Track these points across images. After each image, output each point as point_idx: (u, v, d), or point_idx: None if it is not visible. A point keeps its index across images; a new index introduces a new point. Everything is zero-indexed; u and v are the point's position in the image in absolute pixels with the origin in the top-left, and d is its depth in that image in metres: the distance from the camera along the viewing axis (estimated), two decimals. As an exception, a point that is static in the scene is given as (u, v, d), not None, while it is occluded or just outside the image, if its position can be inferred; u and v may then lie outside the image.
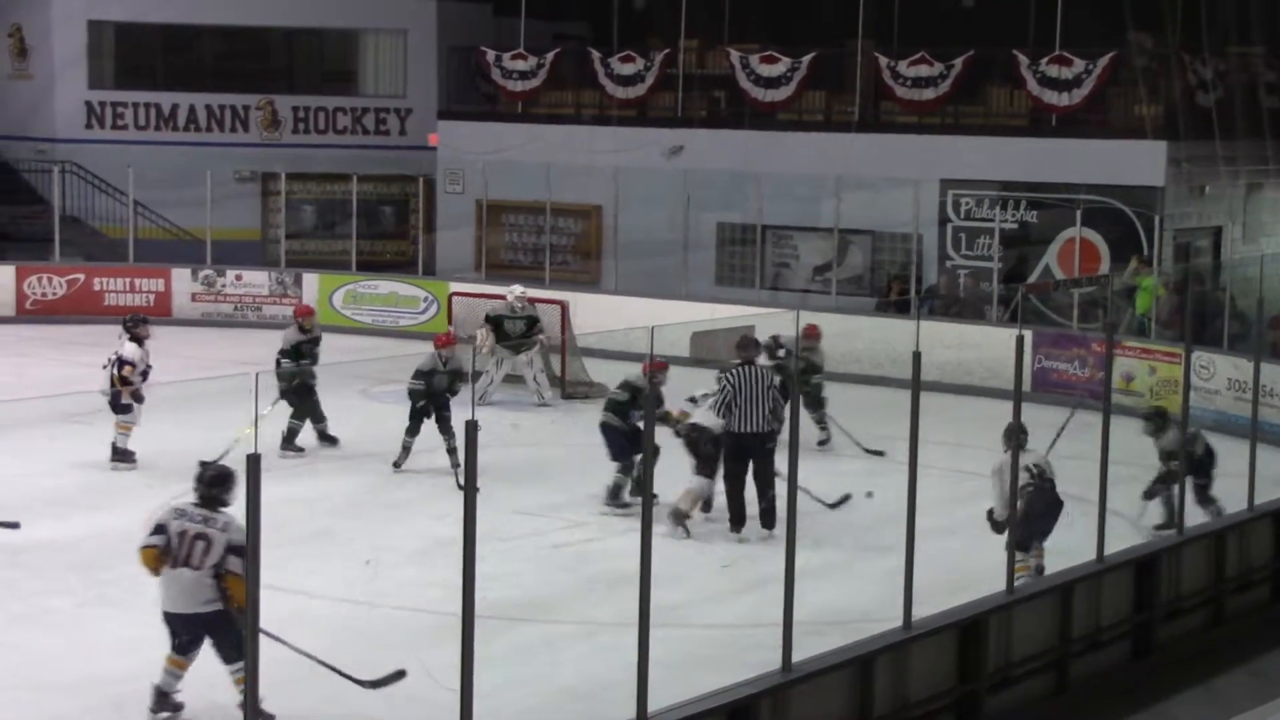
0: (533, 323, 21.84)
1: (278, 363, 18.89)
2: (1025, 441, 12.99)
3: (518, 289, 22.35)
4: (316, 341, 19.23)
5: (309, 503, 15.88)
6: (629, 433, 15.63)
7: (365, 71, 33.07)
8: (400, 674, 10.57)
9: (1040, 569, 13.35)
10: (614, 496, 15.75)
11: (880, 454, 17.43)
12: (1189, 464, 14.68)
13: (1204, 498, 15.27)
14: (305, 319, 19.39)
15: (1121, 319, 22.82)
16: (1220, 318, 21.45)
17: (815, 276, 27.15)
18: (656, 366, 15.18)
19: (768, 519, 14.75)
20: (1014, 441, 12.35)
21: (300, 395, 18.25)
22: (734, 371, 14.89)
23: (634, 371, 16.34)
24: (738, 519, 14.94)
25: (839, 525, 15.35)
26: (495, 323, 21.68)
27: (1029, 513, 12.91)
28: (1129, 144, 24.48)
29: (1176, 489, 14.46)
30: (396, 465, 17.37)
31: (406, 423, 17.37)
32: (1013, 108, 26.14)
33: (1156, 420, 15.56)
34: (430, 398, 17.30)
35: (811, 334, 18.67)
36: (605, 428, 15.89)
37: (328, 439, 18.61)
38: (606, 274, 28.65)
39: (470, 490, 8.46)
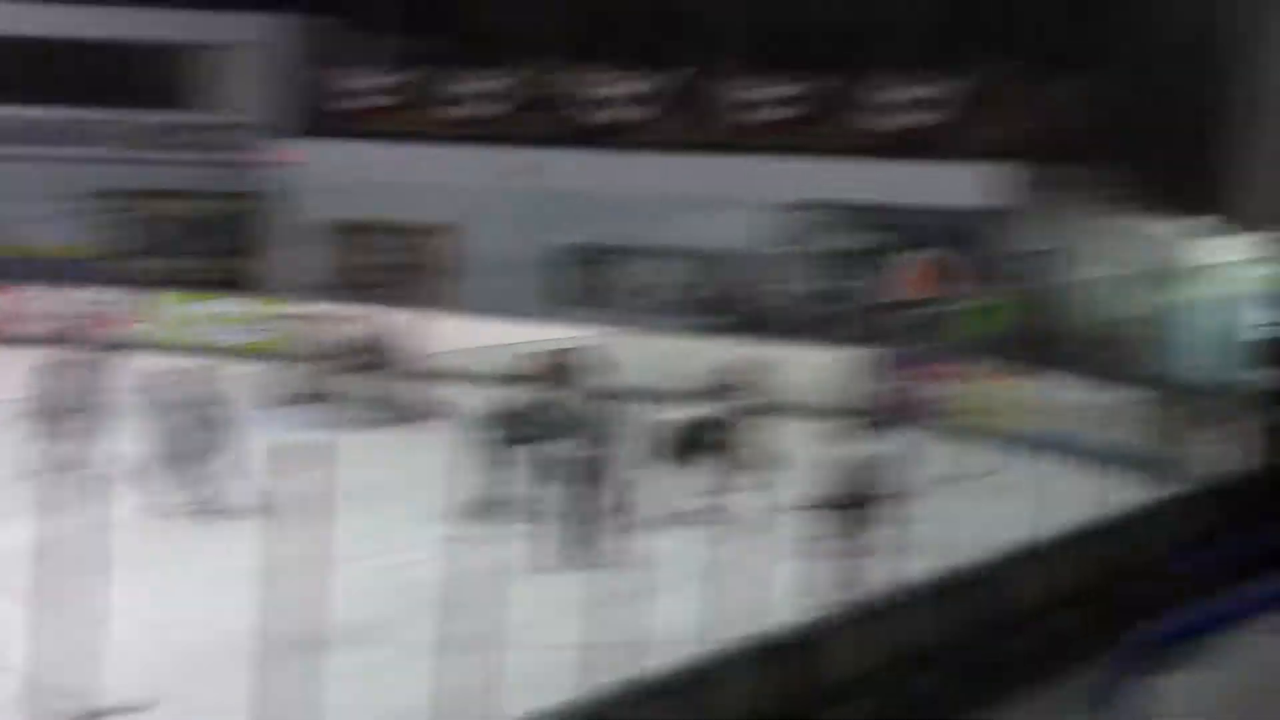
0: (382, 350, 21.68)
1: None
2: None
3: (368, 321, 22.11)
4: None
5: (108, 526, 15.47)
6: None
7: (214, 87, 32.54)
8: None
9: None
10: None
11: None
12: None
13: None
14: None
15: (970, 339, 23.01)
16: (1064, 339, 21.71)
17: (668, 297, 27.13)
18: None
19: (588, 546, 14.73)
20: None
21: None
22: (543, 397, 15.28)
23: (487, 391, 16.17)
24: (569, 543, 14.85)
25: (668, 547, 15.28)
26: (345, 350, 21.50)
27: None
28: (981, 167, 24.74)
29: None
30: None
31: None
32: (869, 129, 26.28)
33: None
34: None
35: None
36: None
37: None
38: (459, 294, 28.42)
39: (303, 512, 8.32)
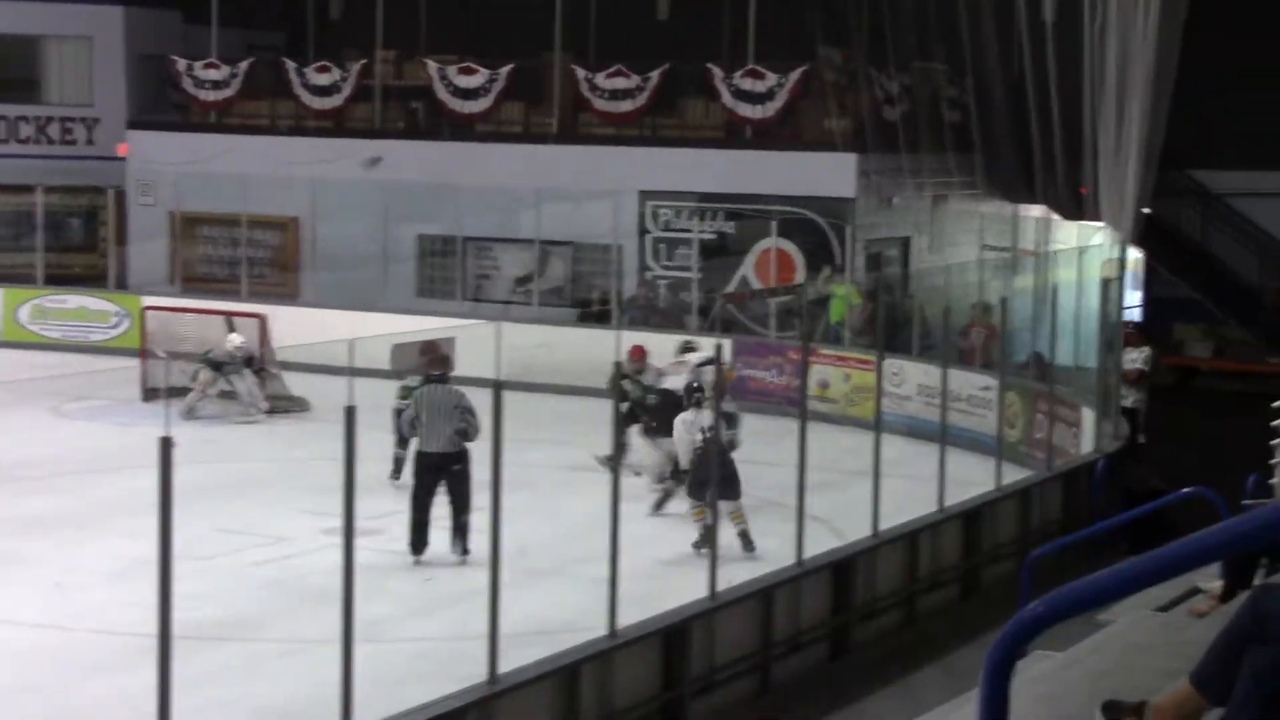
0: (249, 361, 21.46)
1: None
2: (702, 400, 14.42)
3: (236, 339, 21.77)
4: None
5: (-4, 525, 15.31)
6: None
7: (49, 79, 31.92)
8: None
9: (744, 533, 14.01)
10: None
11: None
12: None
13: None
14: None
15: (816, 327, 23.36)
16: (910, 326, 22.11)
17: (516, 288, 27.18)
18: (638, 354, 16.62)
19: (463, 548, 14.29)
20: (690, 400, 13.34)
21: None
22: (421, 389, 14.56)
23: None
24: (419, 545, 14.39)
25: (542, 535, 15.38)
26: (215, 366, 21.28)
27: (700, 465, 13.64)
28: (820, 156, 25.05)
29: None
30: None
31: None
32: (708, 120, 26.55)
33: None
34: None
35: (636, 355, 18.35)
36: None
37: None
38: (305, 287, 28.24)
39: (166, 507, 8.27)
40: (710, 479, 13.25)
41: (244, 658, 12.13)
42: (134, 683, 10.03)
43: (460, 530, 14.29)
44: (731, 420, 15.68)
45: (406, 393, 15.99)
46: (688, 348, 18.42)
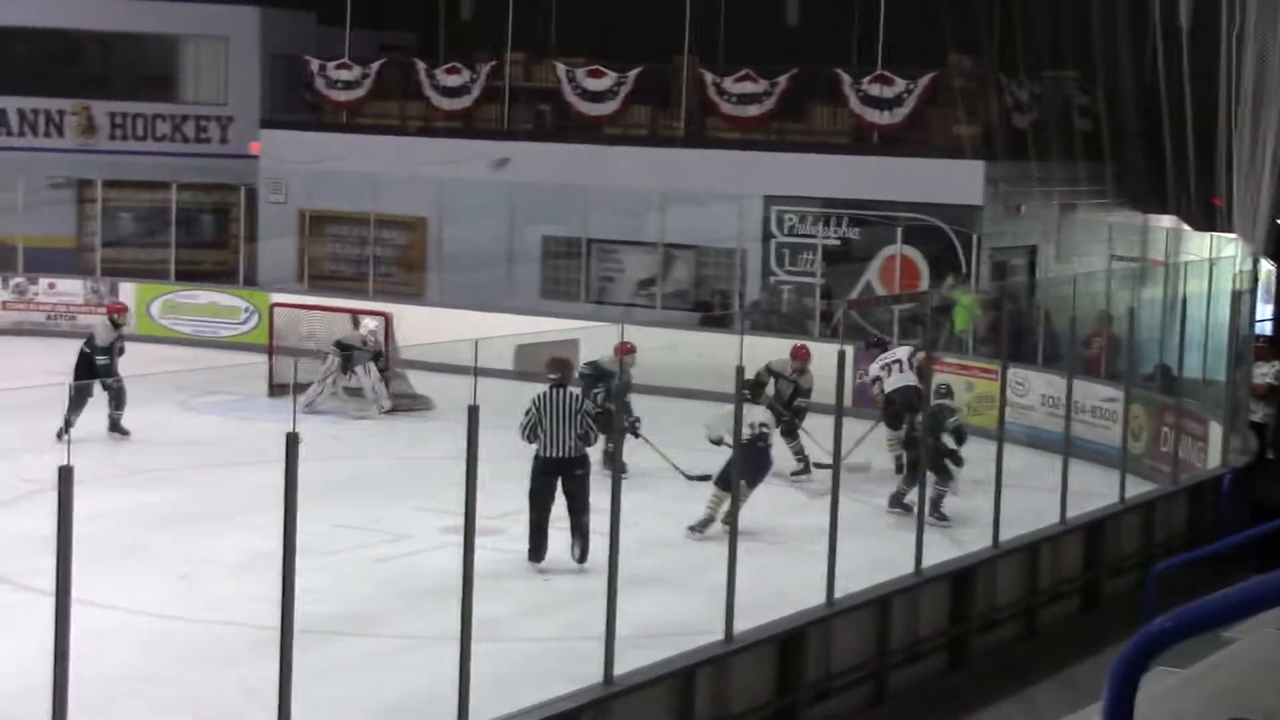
0: (377, 356, 21.76)
1: (86, 357, 19.15)
2: (760, 395, 15.01)
3: (370, 323, 22.16)
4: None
5: (123, 515, 15.57)
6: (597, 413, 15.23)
7: (185, 78, 32.48)
8: None
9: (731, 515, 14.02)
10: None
11: (705, 478, 16.31)
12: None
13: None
14: (119, 315, 20.12)
15: (940, 335, 23.18)
16: (1035, 335, 21.88)
17: (640, 290, 27.23)
18: (625, 350, 16.37)
19: (581, 550, 14.25)
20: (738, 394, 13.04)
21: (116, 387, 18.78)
22: (542, 394, 14.48)
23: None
24: (539, 552, 14.38)
25: (660, 539, 15.41)
26: (345, 348, 21.56)
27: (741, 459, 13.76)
28: (948, 163, 24.88)
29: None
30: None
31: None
32: (835, 125, 26.45)
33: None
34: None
35: (800, 355, 18.56)
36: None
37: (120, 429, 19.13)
38: (431, 286, 28.48)
39: (291, 502, 8.37)
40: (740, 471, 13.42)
41: (363, 653, 12.25)
42: (256, 675, 10.16)
43: (580, 532, 14.29)
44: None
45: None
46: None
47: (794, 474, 17.93)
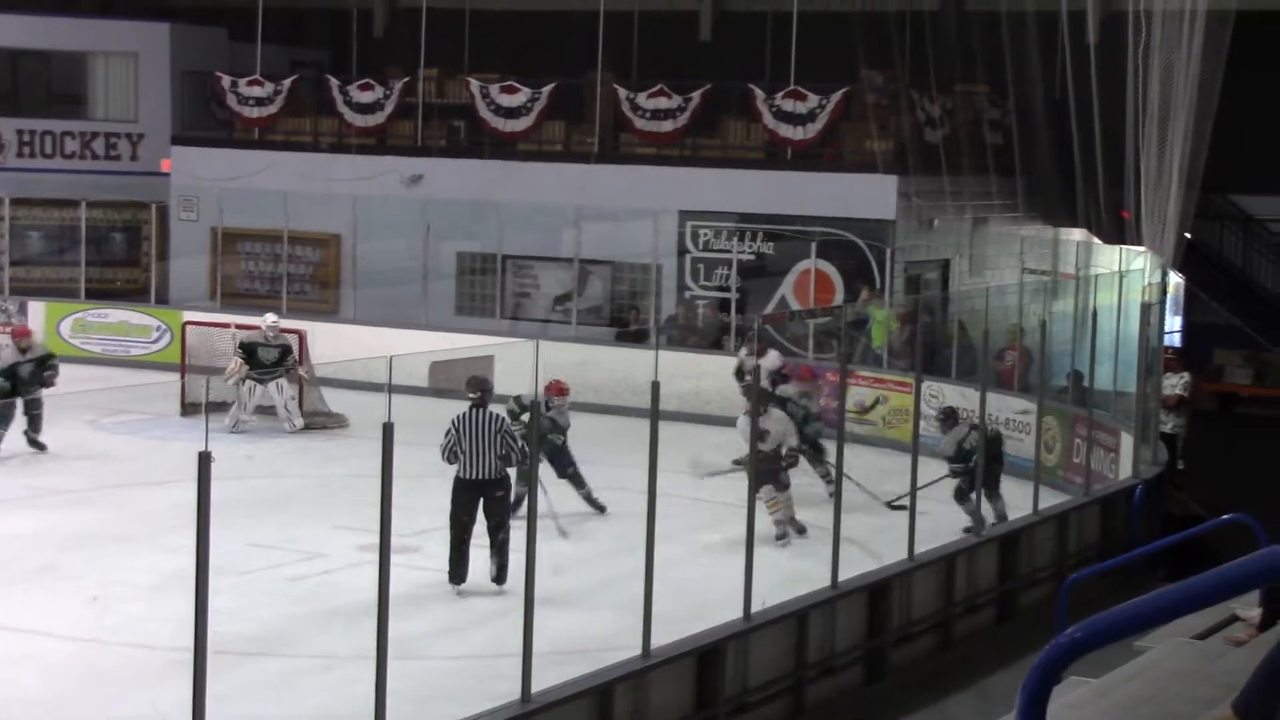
0: (285, 352, 21.69)
1: None
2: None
3: (271, 317, 22.23)
4: (40, 361, 19.68)
5: (34, 536, 15.39)
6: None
7: (95, 94, 32.16)
8: None
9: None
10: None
11: (902, 508, 15.70)
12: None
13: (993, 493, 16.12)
14: (21, 339, 19.96)
15: (855, 349, 23.32)
16: (949, 348, 22.05)
17: (555, 306, 27.22)
18: (555, 390, 16.42)
19: (499, 569, 14.13)
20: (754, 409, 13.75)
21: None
22: (461, 415, 14.32)
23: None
24: (459, 573, 14.26)
25: (577, 555, 15.39)
26: (249, 350, 21.49)
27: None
28: (861, 178, 25.03)
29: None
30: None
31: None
32: (749, 140, 26.54)
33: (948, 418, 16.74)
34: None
35: (556, 390, 18.46)
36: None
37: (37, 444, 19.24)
38: (345, 303, 28.33)
39: (204, 522, 8.29)
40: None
41: (278, 673, 12.15)
42: (169, 697, 10.06)
43: (499, 552, 14.17)
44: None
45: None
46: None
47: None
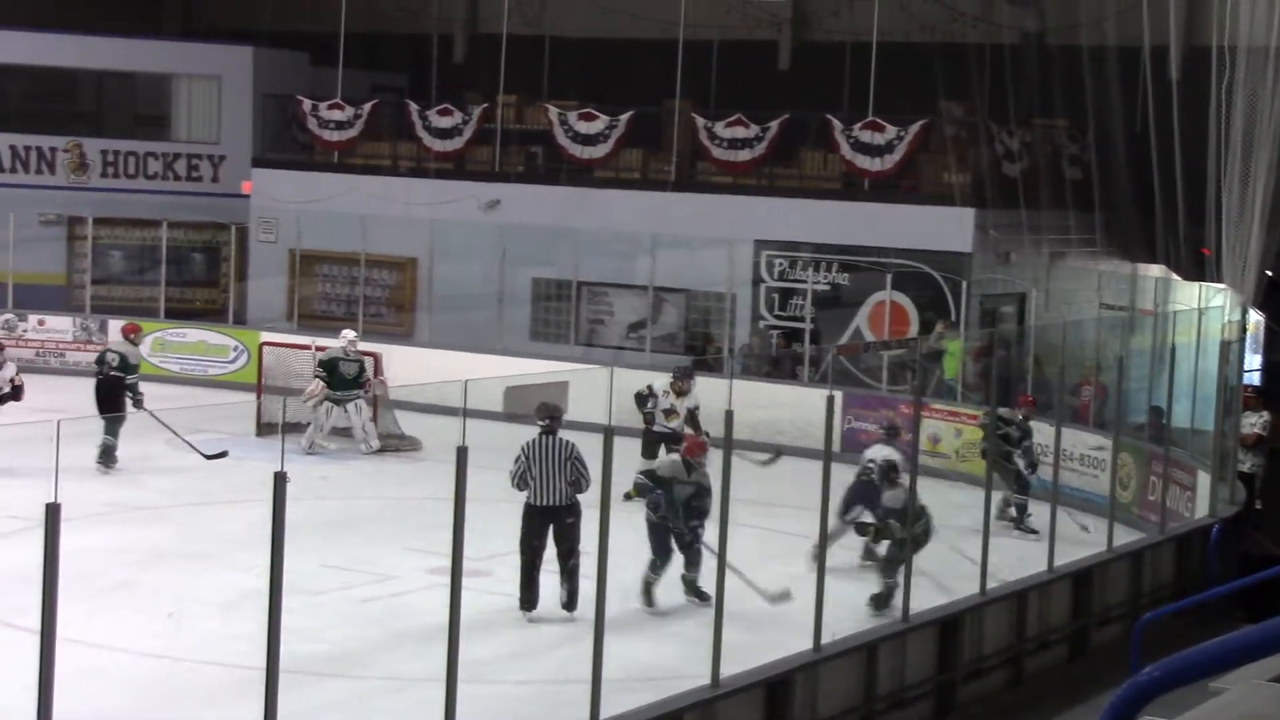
0: (363, 368, 21.85)
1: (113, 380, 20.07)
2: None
3: (350, 333, 22.38)
4: (126, 365, 20.41)
5: (110, 553, 15.53)
6: (663, 528, 14.56)
7: (178, 116, 32.55)
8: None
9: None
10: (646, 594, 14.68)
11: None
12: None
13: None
14: (135, 334, 21.17)
15: (929, 381, 23.22)
16: (1024, 382, 21.91)
17: (629, 333, 27.25)
18: (694, 447, 14.75)
19: (570, 596, 14.09)
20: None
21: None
22: (531, 441, 14.31)
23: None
24: (529, 599, 14.25)
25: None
26: (329, 366, 21.64)
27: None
28: (938, 210, 24.95)
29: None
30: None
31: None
32: (826, 171, 26.52)
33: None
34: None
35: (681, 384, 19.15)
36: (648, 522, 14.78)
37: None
38: (421, 327, 28.49)
39: (278, 541, 8.35)
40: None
41: (349, 694, 12.20)
42: (240, 715, 10.12)
43: (569, 578, 14.12)
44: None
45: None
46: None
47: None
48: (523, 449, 14.25)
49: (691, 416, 18.90)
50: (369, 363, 22.54)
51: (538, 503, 14.19)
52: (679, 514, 14.37)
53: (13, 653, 11.71)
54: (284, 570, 8.41)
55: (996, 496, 16.62)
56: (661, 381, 19.44)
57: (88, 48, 31.21)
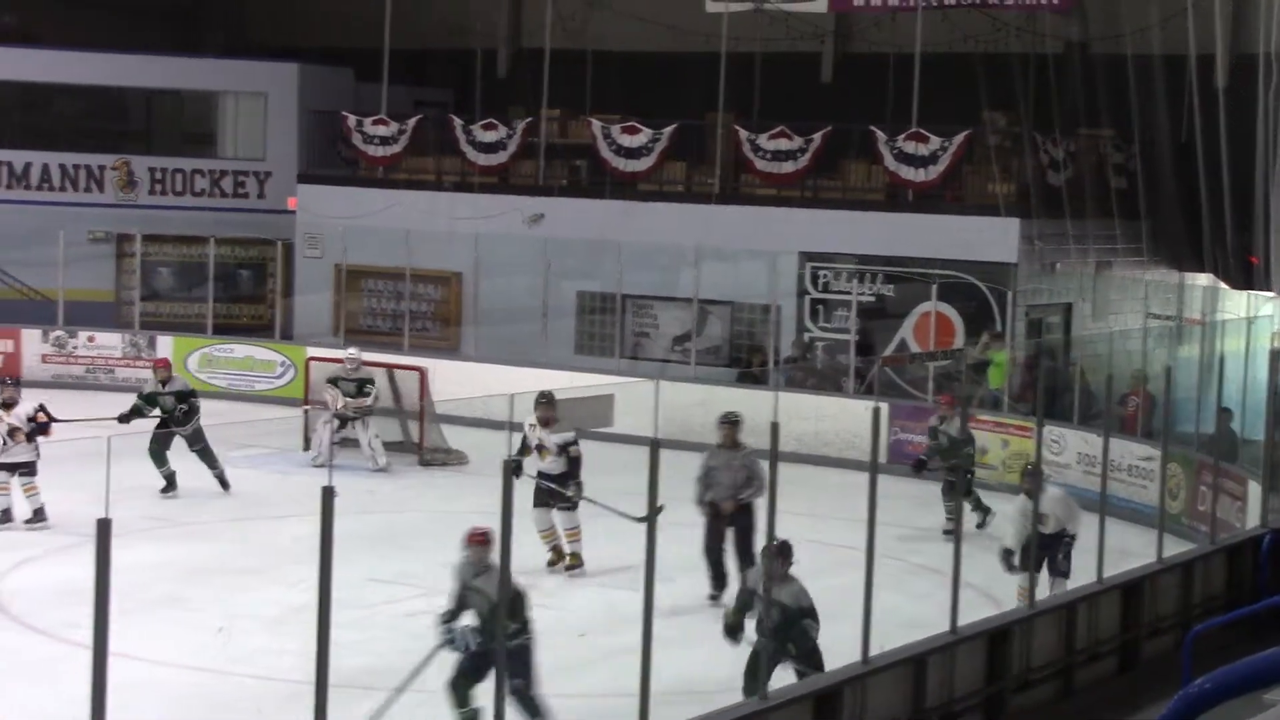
0: (364, 384, 21.76)
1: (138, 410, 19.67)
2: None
3: (352, 350, 22.41)
4: (179, 396, 19.84)
5: (158, 567, 15.61)
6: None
7: (224, 134, 32.74)
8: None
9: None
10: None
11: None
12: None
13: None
14: (159, 370, 20.45)
15: (975, 392, 23.14)
16: (1071, 393, 21.82)
17: (674, 346, 27.26)
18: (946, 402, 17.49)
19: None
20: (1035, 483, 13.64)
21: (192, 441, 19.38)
22: (711, 450, 15.83)
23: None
24: (719, 585, 15.50)
25: (697, 596, 15.36)
26: (332, 383, 21.73)
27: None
28: (983, 220, 24.88)
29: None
30: None
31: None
32: (870, 182, 26.48)
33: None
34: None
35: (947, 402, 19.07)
36: None
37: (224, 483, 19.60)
38: (466, 341, 28.57)
39: (326, 556, 8.37)
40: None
41: (398, 707, 12.21)
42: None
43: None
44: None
45: None
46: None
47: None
48: (705, 457, 15.70)
49: (564, 453, 16.60)
50: (408, 379, 22.57)
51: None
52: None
53: (64, 666, 11.79)
54: (332, 585, 8.42)
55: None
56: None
57: (135, 66, 31.42)
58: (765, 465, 13.98)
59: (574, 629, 14.31)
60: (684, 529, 16.89)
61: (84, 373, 27.54)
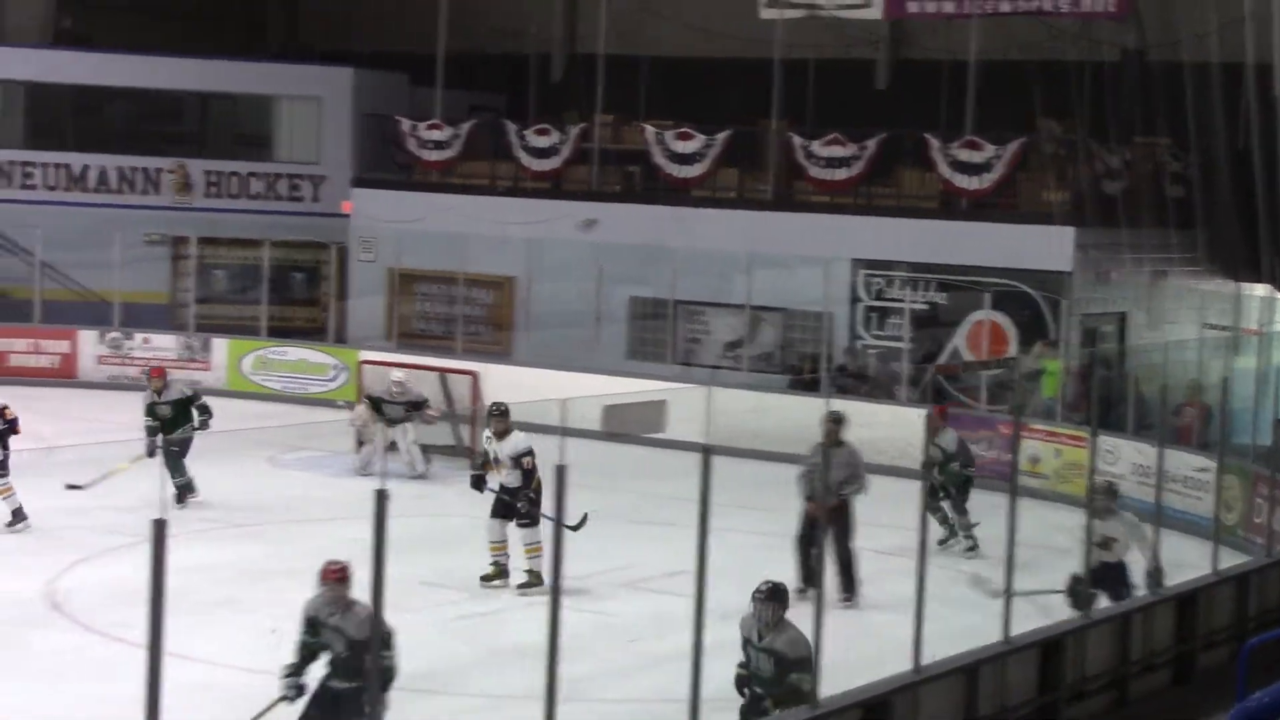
0: (413, 407, 21.67)
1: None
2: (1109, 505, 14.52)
3: (397, 374, 22.28)
4: (178, 405, 19.30)
5: (212, 569, 15.68)
6: None
7: (279, 137, 32.89)
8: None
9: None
10: None
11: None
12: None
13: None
14: (154, 379, 19.53)
15: (1028, 401, 23.03)
16: (1125, 403, 21.69)
17: (726, 352, 27.23)
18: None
19: (849, 591, 15.72)
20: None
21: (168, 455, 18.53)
22: (815, 447, 15.88)
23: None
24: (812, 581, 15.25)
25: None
26: (375, 403, 21.66)
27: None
28: (1037, 229, 24.77)
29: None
30: None
31: None
32: (924, 190, 26.41)
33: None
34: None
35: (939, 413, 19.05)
36: None
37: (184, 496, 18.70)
38: (518, 346, 28.62)
39: (379, 559, 8.39)
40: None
41: (447, 711, 12.26)
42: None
43: (844, 570, 15.73)
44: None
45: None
46: None
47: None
48: (810, 453, 15.83)
49: (518, 465, 15.77)
50: (460, 383, 22.59)
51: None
52: None
53: (118, 667, 11.85)
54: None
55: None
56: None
57: (191, 70, 31.63)
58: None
59: (622, 634, 14.29)
60: (734, 535, 16.88)
61: (139, 374, 27.69)
